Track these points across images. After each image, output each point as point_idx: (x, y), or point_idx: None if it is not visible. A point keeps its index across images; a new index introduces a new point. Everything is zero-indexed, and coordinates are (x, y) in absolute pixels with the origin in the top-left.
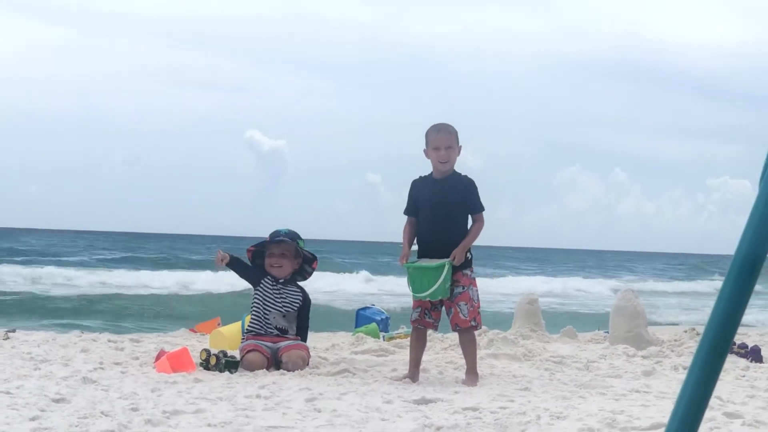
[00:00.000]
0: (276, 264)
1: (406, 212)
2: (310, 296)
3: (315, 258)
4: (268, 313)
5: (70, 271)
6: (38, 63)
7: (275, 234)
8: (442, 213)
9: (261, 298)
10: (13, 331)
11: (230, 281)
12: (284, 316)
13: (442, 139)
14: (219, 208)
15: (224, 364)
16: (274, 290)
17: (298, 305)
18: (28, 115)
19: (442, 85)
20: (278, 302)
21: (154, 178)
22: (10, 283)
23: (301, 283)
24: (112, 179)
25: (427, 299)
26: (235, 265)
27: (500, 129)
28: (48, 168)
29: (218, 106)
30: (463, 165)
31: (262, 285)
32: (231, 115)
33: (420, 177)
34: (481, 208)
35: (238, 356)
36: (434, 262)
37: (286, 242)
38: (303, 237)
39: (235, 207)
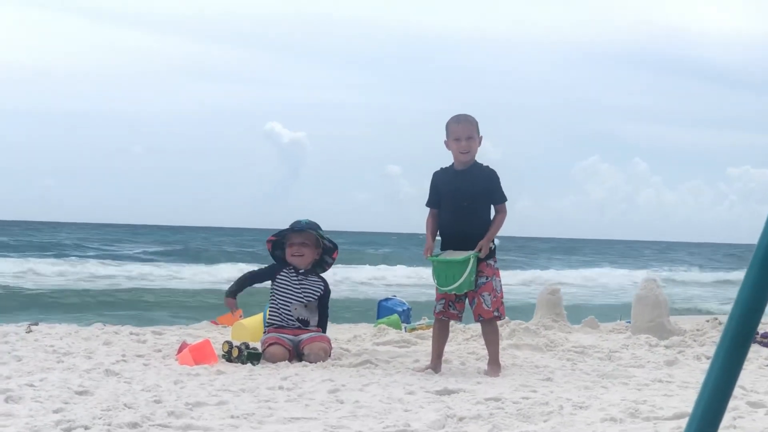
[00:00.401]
0: (297, 253)
1: (429, 204)
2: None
3: (335, 248)
4: (288, 303)
5: (103, 267)
6: (59, 58)
7: (295, 224)
8: (465, 204)
9: (281, 290)
10: (36, 324)
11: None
12: (305, 306)
13: (462, 130)
14: (239, 200)
15: (246, 355)
16: (295, 281)
17: (319, 294)
18: (49, 110)
19: (462, 77)
20: (299, 293)
21: (174, 171)
22: (52, 277)
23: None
24: (131, 173)
25: (453, 292)
26: (245, 285)
27: (520, 120)
28: (68, 162)
29: (238, 98)
30: (485, 156)
31: (280, 277)
32: (251, 107)
33: (441, 168)
34: (504, 199)
35: (260, 348)
36: (459, 255)
37: (306, 231)
38: (323, 228)
39: (255, 199)
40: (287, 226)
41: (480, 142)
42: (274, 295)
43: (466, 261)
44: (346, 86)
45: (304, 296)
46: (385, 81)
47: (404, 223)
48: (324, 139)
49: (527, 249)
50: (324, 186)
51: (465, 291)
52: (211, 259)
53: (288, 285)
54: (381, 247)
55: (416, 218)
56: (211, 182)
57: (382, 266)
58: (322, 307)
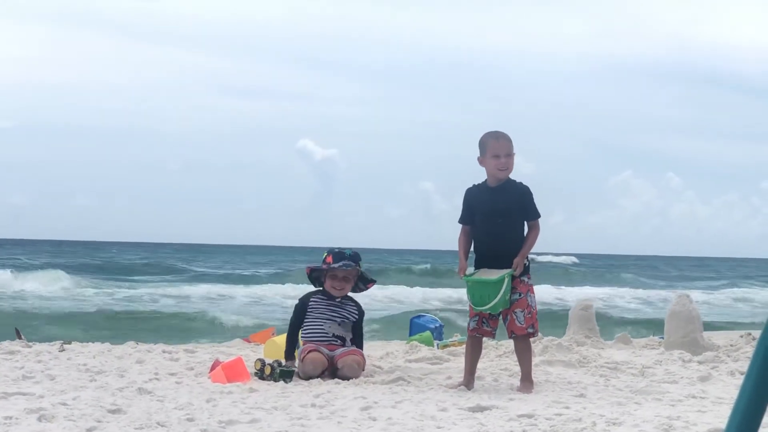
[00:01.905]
0: (338, 287)
1: (461, 221)
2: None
3: (373, 281)
4: (324, 323)
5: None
6: (87, 73)
7: (340, 256)
8: (499, 221)
9: (316, 312)
10: (69, 342)
11: (292, 293)
12: (340, 325)
13: (502, 147)
14: (271, 218)
15: (279, 373)
16: (330, 305)
17: (354, 319)
18: (81, 127)
19: (493, 90)
20: (335, 313)
21: (205, 189)
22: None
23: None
24: (162, 190)
25: (488, 312)
26: (295, 338)
27: (553, 134)
28: (98, 179)
29: (270, 115)
30: (517, 171)
31: (315, 301)
32: (283, 124)
33: (474, 185)
34: (538, 215)
35: (296, 361)
36: (494, 275)
37: (351, 267)
38: (356, 245)
39: (288, 216)
40: (329, 253)
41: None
42: (308, 318)
43: (500, 281)
44: (378, 101)
45: (340, 318)
46: (416, 96)
47: (438, 240)
48: (356, 155)
49: (560, 267)
50: (357, 202)
51: (500, 310)
52: (245, 279)
53: (323, 309)
54: (415, 264)
55: (449, 235)
56: (244, 200)
57: (416, 284)
58: (357, 328)
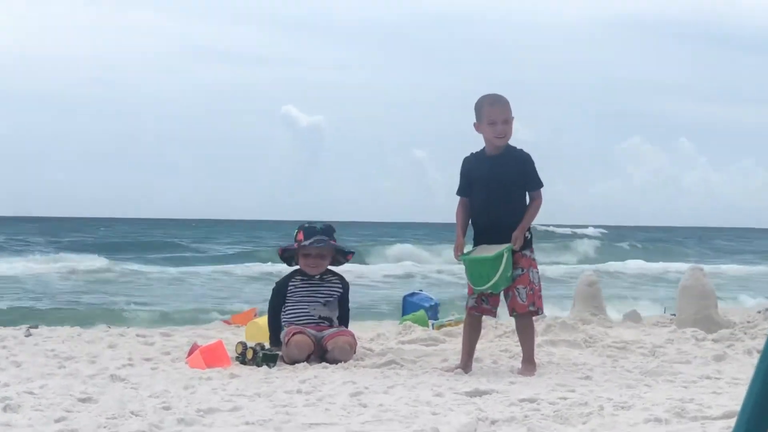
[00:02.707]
0: (312, 265)
1: (459, 192)
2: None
3: (351, 253)
4: (307, 305)
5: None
6: (50, 39)
7: (310, 231)
8: (499, 192)
9: (297, 294)
10: (36, 326)
11: (269, 270)
12: (324, 305)
13: (498, 112)
14: (252, 189)
15: (262, 357)
16: (311, 284)
17: (338, 294)
18: (48, 96)
19: (491, 52)
20: (317, 293)
21: (182, 159)
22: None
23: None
24: (136, 162)
25: (489, 291)
26: (279, 323)
27: (556, 99)
28: (69, 152)
29: (250, 80)
30: (516, 138)
31: (294, 282)
32: (265, 90)
33: (472, 153)
34: (540, 185)
35: (282, 341)
36: (492, 251)
37: (323, 245)
38: (345, 219)
39: (270, 188)
40: (300, 229)
41: (512, 123)
42: (289, 302)
43: (499, 257)
44: (367, 65)
45: (323, 297)
46: (409, 59)
47: (433, 212)
48: (343, 122)
49: (565, 238)
50: (344, 173)
51: (502, 288)
52: (225, 258)
53: (304, 290)
54: (408, 239)
55: (446, 206)
56: (223, 171)
57: (408, 259)
58: (343, 305)
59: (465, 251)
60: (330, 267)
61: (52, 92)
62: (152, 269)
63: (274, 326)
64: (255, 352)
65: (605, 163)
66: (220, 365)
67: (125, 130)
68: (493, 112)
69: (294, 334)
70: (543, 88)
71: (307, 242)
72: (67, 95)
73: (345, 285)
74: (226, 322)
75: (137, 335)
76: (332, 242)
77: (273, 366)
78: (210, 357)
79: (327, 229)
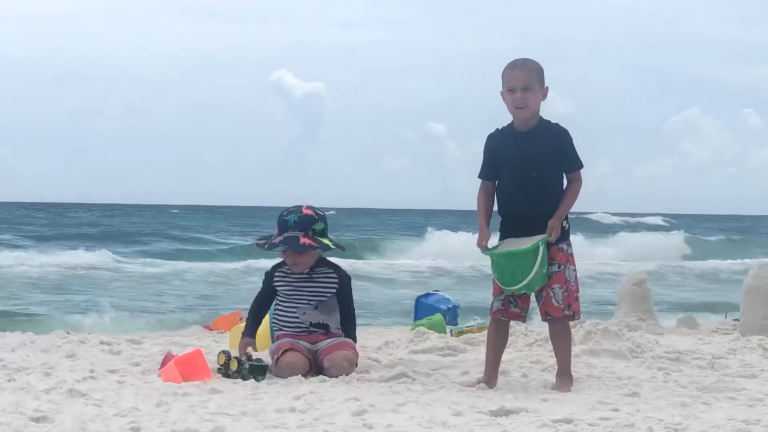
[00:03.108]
0: (291, 262)
1: (482, 175)
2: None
3: (340, 248)
4: (295, 309)
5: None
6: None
7: (282, 226)
8: (533, 174)
9: (284, 296)
10: None
11: (259, 266)
12: (316, 309)
13: (517, 78)
14: (238, 171)
15: (248, 369)
16: (299, 280)
17: (333, 290)
18: None
19: (521, 8)
20: (307, 293)
21: (157, 135)
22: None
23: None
24: (101, 139)
25: (523, 291)
26: (261, 316)
27: (597, 63)
28: (18, 127)
29: (237, 41)
30: (551, 110)
31: (278, 278)
32: (253, 52)
33: (498, 129)
34: (579, 165)
35: (266, 360)
36: (524, 244)
37: (291, 247)
38: (347, 206)
39: (260, 168)
40: (277, 221)
41: (545, 95)
42: (278, 301)
43: (534, 250)
44: (374, 23)
45: (314, 296)
46: (425, 16)
47: (452, 197)
48: (347, 90)
49: (603, 228)
50: (347, 151)
51: (537, 288)
52: (211, 254)
53: (292, 287)
54: (422, 229)
55: (469, 191)
56: (204, 149)
57: (422, 254)
58: (344, 304)
59: (490, 245)
60: (325, 257)
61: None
62: (122, 263)
63: (253, 316)
64: (240, 363)
65: (655, 139)
66: (198, 378)
67: (83, 101)
68: (512, 77)
69: (285, 351)
70: (583, 49)
71: (276, 240)
72: (15, 57)
73: (343, 280)
74: (207, 327)
75: (101, 342)
76: (304, 241)
77: (262, 379)
78: (187, 369)
79: (301, 223)
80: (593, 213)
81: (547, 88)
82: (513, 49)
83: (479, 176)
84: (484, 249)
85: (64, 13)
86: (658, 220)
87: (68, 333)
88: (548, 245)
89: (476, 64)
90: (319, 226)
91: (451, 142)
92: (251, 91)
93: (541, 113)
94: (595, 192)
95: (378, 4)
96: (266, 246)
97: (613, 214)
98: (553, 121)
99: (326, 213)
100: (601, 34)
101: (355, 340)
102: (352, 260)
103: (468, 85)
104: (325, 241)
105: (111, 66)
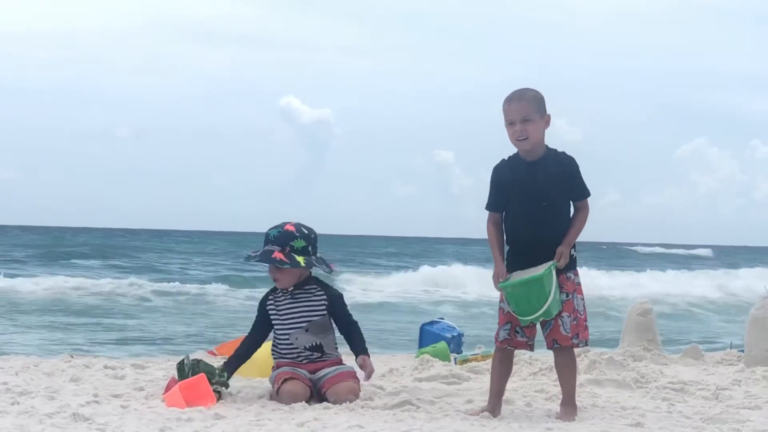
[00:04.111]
0: (272, 278)
1: (489, 207)
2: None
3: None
4: (287, 335)
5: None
6: (6, 15)
7: (265, 240)
8: (542, 204)
9: (277, 321)
10: None
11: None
12: (308, 331)
13: (515, 110)
14: (246, 196)
15: (189, 367)
16: (288, 304)
17: (323, 309)
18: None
19: (531, 37)
20: (295, 315)
21: (162, 161)
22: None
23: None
24: (107, 163)
25: (542, 319)
26: (244, 357)
27: (606, 91)
28: (26, 150)
29: (246, 66)
30: (559, 138)
31: (270, 304)
32: (262, 77)
33: (504, 160)
34: (587, 193)
35: (272, 386)
36: (532, 272)
37: (266, 261)
38: (355, 233)
39: (267, 195)
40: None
41: (547, 123)
42: (274, 326)
43: (548, 275)
44: (382, 50)
45: (302, 318)
46: (431, 42)
47: (459, 225)
48: (355, 117)
49: (613, 253)
50: (355, 178)
51: (555, 314)
52: (208, 277)
53: (282, 310)
54: (427, 257)
55: (476, 218)
56: (212, 173)
57: (428, 282)
58: (341, 319)
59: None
60: (315, 275)
61: (7, 76)
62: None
63: (238, 350)
64: (183, 363)
65: (663, 168)
66: (202, 404)
67: (90, 124)
68: (510, 110)
69: (285, 380)
70: (593, 78)
71: (252, 253)
72: (27, 79)
73: (332, 297)
74: (211, 352)
75: (105, 367)
76: (276, 256)
77: (219, 389)
78: (191, 394)
79: (280, 238)
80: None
81: (549, 116)
82: (522, 77)
83: (486, 208)
84: (499, 282)
85: (72, 36)
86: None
87: (72, 357)
88: (557, 273)
89: (485, 92)
90: (298, 243)
91: (459, 169)
92: (259, 116)
93: (548, 142)
94: (602, 220)
95: (387, 31)
96: (248, 259)
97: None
98: (561, 149)
99: (318, 234)
100: (609, 63)
101: (366, 351)
102: (353, 286)
103: (476, 113)
104: (299, 258)
105: (119, 89)
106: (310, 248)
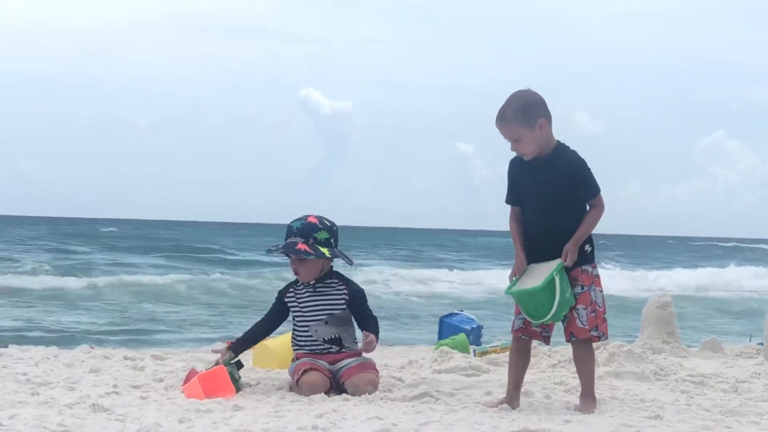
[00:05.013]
0: (294, 270)
1: (509, 201)
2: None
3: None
4: (306, 327)
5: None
6: (26, 8)
7: (288, 232)
8: (551, 200)
9: (297, 312)
10: (6, 346)
11: (286, 277)
12: (327, 324)
13: (502, 133)
14: (265, 188)
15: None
16: (309, 296)
17: (342, 303)
18: (17, 75)
19: (551, 30)
20: (315, 308)
21: (182, 153)
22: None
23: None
24: (126, 155)
25: (551, 321)
26: (251, 341)
27: (627, 84)
28: (45, 141)
29: (266, 59)
30: (579, 131)
31: (290, 297)
32: (282, 70)
33: (518, 156)
34: (597, 190)
35: (291, 377)
36: (541, 276)
37: (288, 251)
38: (374, 224)
39: (286, 187)
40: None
41: (542, 127)
42: (294, 318)
43: (549, 283)
44: (403, 43)
45: (323, 310)
46: (452, 36)
47: (479, 217)
48: (375, 109)
49: (631, 247)
50: (374, 170)
51: (565, 312)
52: (232, 265)
53: (303, 302)
54: (448, 249)
55: (496, 211)
56: (232, 165)
57: (445, 272)
58: (361, 313)
59: (511, 282)
60: (337, 270)
61: (30, 69)
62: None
63: (246, 334)
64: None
65: (683, 161)
66: (221, 395)
67: (111, 115)
68: (500, 131)
69: (305, 371)
70: (614, 72)
71: (273, 247)
72: (48, 73)
73: (352, 292)
74: (229, 343)
75: (125, 358)
76: (300, 247)
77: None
78: (210, 385)
79: (303, 230)
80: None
81: (542, 121)
82: (541, 71)
83: (506, 201)
84: (512, 279)
85: (93, 28)
86: None
87: (92, 348)
88: (572, 268)
89: (506, 84)
90: (321, 235)
91: (479, 161)
92: (279, 109)
93: (567, 135)
94: (624, 211)
95: (407, 23)
96: (271, 251)
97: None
98: (582, 141)
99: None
100: (631, 57)
101: (376, 333)
102: (372, 278)
103: (497, 105)
104: (324, 250)
105: (140, 81)
106: (332, 240)
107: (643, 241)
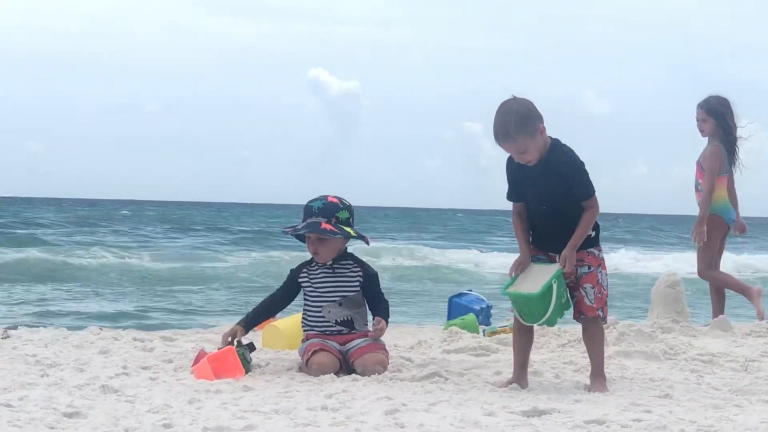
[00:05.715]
0: (312, 250)
1: (510, 198)
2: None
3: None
4: (319, 307)
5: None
6: None
7: (307, 212)
8: (551, 204)
9: (310, 292)
10: (15, 328)
11: (297, 254)
12: (341, 305)
13: (508, 149)
14: (274, 168)
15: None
16: (324, 276)
17: (358, 284)
18: (25, 55)
19: (562, 10)
20: (329, 289)
21: (191, 134)
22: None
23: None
24: (135, 136)
25: (543, 325)
26: (259, 318)
27: (637, 61)
28: (52, 121)
29: (273, 38)
30: (586, 110)
31: (304, 276)
32: (290, 49)
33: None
34: (590, 192)
35: (300, 358)
36: (540, 279)
37: (311, 231)
38: (383, 204)
39: (294, 166)
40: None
41: (542, 133)
42: (305, 299)
43: (547, 292)
44: (411, 22)
45: (337, 292)
46: (461, 14)
47: (487, 196)
48: (383, 89)
49: (641, 227)
50: (383, 150)
51: (558, 318)
52: (244, 242)
53: (317, 283)
54: (456, 229)
55: (502, 190)
56: (239, 146)
57: (458, 255)
58: (374, 297)
59: (509, 280)
60: (351, 252)
61: (39, 51)
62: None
63: (261, 305)
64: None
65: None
66: (231, 376)
67: (120, 97)
68: (503, 148)
69: (314, 352)
70: (624, 47)
71: (288, 229)
72: (54, 53)
73: (367, 275)
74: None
75: (134, 339)
76: (325, 227)
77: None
78: (220, 366)
79: (325, 209)
80: None
81: (541, 126)
82: (551, 48)
83: (507, 198)
84: (512, 276)
85: (103, 9)
86: None
87: (101, 329)
88: (578, 250)
89: (514, 62)
90: (343, 215)
91: (488, 141)
92: (287, 88)
93: (575, 116)
94: (632, 192)
95: (417, 2)
96: (290, 232)
97: None
98: (589, 121)
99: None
100: (642, 32)
101: (387, 316)
102: (382, 257)
103: (505, 84)
104: (348, 229)
105: (150, 62)
106: (351, 220)
107: (667, 220)
